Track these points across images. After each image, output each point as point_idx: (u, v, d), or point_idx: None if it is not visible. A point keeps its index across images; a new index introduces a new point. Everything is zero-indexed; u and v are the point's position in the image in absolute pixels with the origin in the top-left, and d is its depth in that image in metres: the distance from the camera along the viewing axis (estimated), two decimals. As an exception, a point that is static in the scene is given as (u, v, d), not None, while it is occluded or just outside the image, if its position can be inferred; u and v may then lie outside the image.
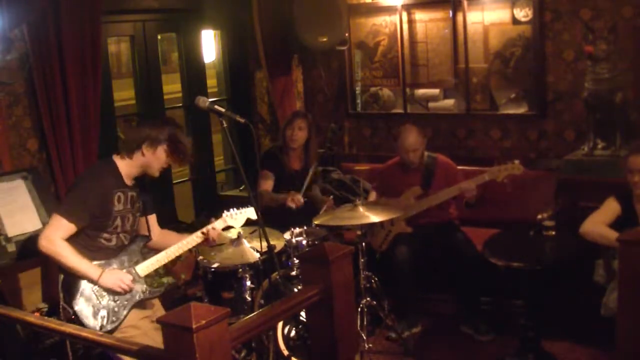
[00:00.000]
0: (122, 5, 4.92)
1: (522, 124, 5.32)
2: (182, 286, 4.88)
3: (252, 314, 2.60)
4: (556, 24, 5.04)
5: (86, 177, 3.31)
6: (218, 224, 3.52)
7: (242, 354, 4.00)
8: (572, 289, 4.32)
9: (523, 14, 5.14)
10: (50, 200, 4.04)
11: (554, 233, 4.07)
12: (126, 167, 3.28)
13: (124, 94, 7.58)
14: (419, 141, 4.65)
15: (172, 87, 7.10)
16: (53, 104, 4.08)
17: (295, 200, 4.54)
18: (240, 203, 5.43)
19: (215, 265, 4.10)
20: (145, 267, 3.33)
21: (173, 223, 5.36)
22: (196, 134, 5.66)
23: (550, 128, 5.20)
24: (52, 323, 2.71)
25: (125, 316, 3.25)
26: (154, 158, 3.26)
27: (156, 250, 3.44)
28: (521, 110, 5.32)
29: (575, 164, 4.70)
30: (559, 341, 4.24)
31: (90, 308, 3.18)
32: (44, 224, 3.97)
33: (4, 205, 3.91)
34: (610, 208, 3.85)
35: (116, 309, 3.23)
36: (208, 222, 5.36)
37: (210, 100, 3.63)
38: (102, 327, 3.19)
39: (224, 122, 3.42)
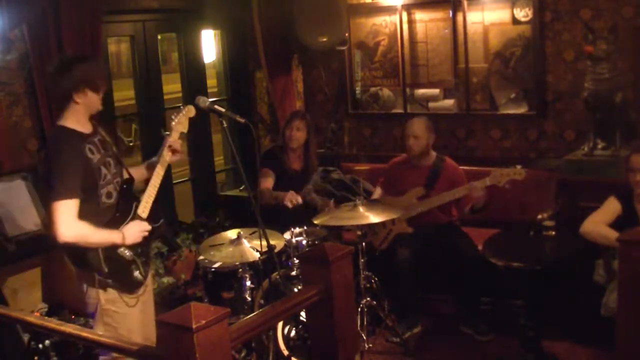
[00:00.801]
0: (122, 5, 4.92)
1: (522, 124, 5.32)
2: (182, 286, 4.89)
3: (252, 314, 2.60)
4: (556, 24, 5.04)
5: (56, 154, 3.20)
6: (174, 135, 3.45)
7: (242, 354, 4.00)
8: (572, 289, 4.32)
9: (523, 14, 5.14)
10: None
11: (554, 233, 4.07)
12: (73, 120, 3.21)
13: (124, 94, 7.58)
14: (423, 131, 4.66)
15: (172, 87, 7.09)
16: (53, 104, 4.08)
17: (293, 199, 4.54)
18: (239, 203, 5.49)
19: (215, 265, 4.11)
20: (143, 207, 3.33)
21: (173, 223, 5.37)
22: (196, 134, 5.67)
23: (550, 128, 5.20)
24: (52, 323, 2.71)
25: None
26: (88, 99, 3.21)
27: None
28: (521, 110, 5.32)
29: (575, 164, 4.70)
30: (559, 341, 4.24)
31: (123, 267, 3.21)
32: (44, 224, 3.98)
33: (4, 205, 3.91)
34: (611, 208, 3.86)
35: (143, 258, 3.31)
36: (208, 223, 5.46)
37: (210, 100, 3.64)
38: (143, 276, 3.29)
39: (224, 122, 3.43)
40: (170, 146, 3.42)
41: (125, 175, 3.44)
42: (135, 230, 3.25)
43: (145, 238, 3.31)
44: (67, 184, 3.08)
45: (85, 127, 3.26)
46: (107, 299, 3.23)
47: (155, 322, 3.32)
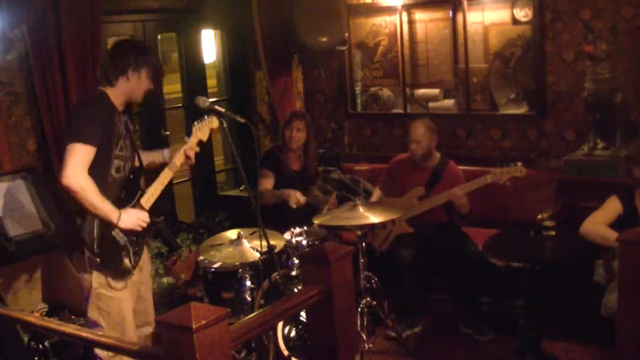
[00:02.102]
0: (122, 5, 4.92)
1: (522, 124, 5.32)
2: (182, 286, 4.89)
3: (252, 314, 2.60)
4: (556, 24, 5.04)
5: (86, 103, 3.31)
6: (193, 140, 3.51)
7: (242, 354, 4.00)
8: (572, 289, 4.32)
9: (523, 14, 5.14)
10: (50, 201, 4.03)
11: (554, 233, 4.06)
12: (113, 94, 3.30)
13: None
14: (425, 135, 4.66)
15: (172, 87, 7.11)
16: (53, 104, 4.08)
17: (297, 201, 4.55)
18: (240, 203, 5.49)
19: (215, 265, 4.11)
20: (147, 199, 3.37)
21: (173, 223, 5.37)
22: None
23: (550, 128, 5.20)
24: (52, 323, 2.72)
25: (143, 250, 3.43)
26: (139, 82, 3.32)
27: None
28: (521, 110, 5.32)
29: (575, 164, 4.70)
30: (559, 341, 4.24)
31: (115, 250, 3.24)
32: (44, 224, 3.98)
33: (4, 205, 3.91)
34: (612, 207, 3.85)
35: (136, 247, 3.33)
36: (208, 223, 5.46)
37: (210, 100, 3.64)
38: (133, 265, 3.30)
39: (224, 122, 3.44)
40: (186, 152, 3.47)
41: (136, 164, 3.48)
42: (133, 217, 3.27)
43: (142, 229, 3.32)
44: (86, 128, 3.11)
45: (119, 105, 3.33)
46: (99, 282, 3.26)
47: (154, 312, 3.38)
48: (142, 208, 3.35)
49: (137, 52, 3.32)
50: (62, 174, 3.06)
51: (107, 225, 3.20)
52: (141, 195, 3.37)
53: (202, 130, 3.54)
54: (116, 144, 3.25)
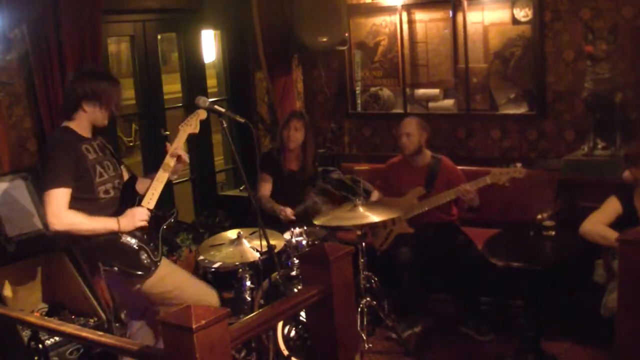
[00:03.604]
0: (122, 5, 4.92)
1: (522, 124, 5.32)
2: (182, 286, 4.88)
3: (252, 314, 2.60)
4: (556, 24, 5.03)
5: (50, 148, 3.33)
6: (180, 138, 3.53)
7: (242, 354, 4.00)
8: (572, 289, 4.32)
9: (523, 14, 5.14)
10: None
11: (554, 233, 4.06)
12: (76, 124, 3.33)
13: (124, 93, 7.56)
14: (416, 129, 4.67)
15: (172, 87, 7.09)
16: (53, 104, 4.08)
17: (286, 216, 4.54)
18: (239, 203, 5.49)
19: (215, 265, 4.11)
20: (148, 199, 3.38)
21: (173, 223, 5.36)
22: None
23: (550, 128, 5.20)
24: (52, 323, 2.72)
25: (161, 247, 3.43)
26: (97, 110, 3.33)
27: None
28: (521, 110, 5.32)
29: (575, 164, 4.70)
30: (559, 341, 4.24)
31: (132, 255, 3.27)
32: (44, 224, 3.98)
33: (4, 205, 3.90)
34: (611, 207, 3.85)
35: (152, 244, 3.35)
36: (208, 223, 5.46)
37: (210, 100, 3.64)
38: (153, 261, 3.32)
39: (224, 122, 3.44)
40: (174, 151, 3.45)
41: (127, 176, 3.49)
42: (130, 217, 3.29)
43: (149, 224, 3.33)
44: (56, 173, 3.15)
45: (85, 133, 3.35)
46: (149, 285, 3.31)
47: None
48: (146, 209, 3.35)
49: (84, 83, 3.31)
50: (48, 221, 3.13)
51: (112, 237, 3.23)
52: (140, 200, 3.37)
53: (191, 124, 3.54)
54: (95, 173, 3.28)
